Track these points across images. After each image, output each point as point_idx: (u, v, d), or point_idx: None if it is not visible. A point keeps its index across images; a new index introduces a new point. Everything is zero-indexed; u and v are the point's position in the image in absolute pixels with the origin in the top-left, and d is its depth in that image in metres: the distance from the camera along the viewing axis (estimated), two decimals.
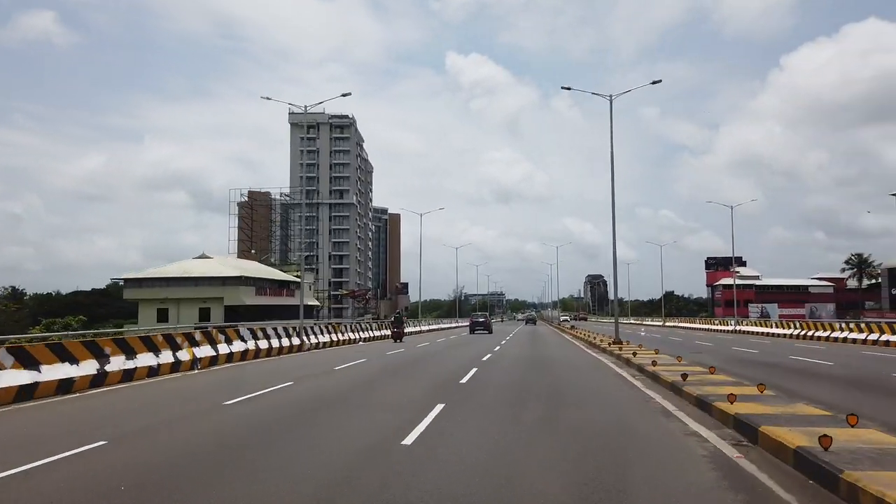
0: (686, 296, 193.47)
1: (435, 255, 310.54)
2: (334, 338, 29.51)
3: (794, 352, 23.98)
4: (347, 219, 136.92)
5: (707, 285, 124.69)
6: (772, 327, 43.45)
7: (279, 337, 23.28)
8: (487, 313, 78.70)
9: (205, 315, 55.61)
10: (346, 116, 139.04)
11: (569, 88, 26.69)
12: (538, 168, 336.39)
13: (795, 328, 38.85)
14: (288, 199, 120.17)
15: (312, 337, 26.79)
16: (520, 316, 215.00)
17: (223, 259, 59.53)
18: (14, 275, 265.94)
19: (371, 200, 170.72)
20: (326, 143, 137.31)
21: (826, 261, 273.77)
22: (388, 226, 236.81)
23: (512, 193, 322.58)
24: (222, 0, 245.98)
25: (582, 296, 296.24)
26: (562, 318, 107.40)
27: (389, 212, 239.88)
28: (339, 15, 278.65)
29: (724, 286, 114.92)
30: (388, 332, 37.33)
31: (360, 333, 34.32)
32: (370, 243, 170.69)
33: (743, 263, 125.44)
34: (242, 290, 57.01)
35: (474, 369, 15.88)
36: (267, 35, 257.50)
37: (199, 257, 61.78)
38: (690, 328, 59.30)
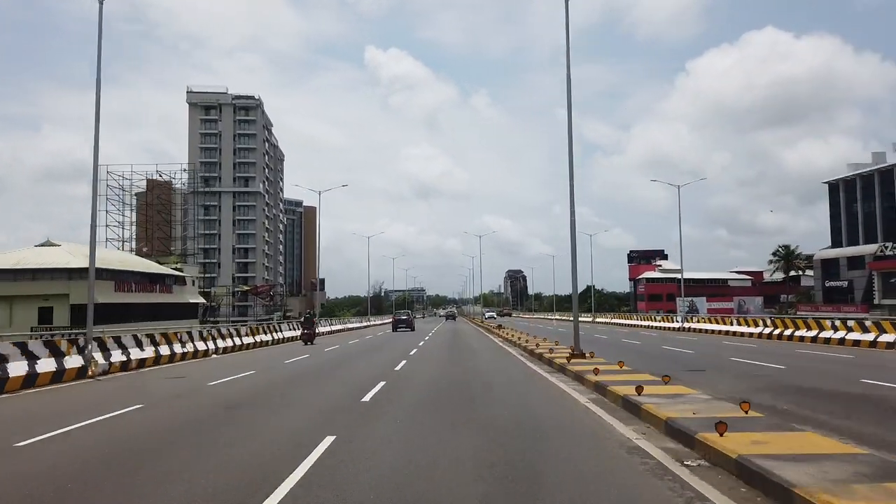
0: (603, 290, 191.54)
1: (354, 251, 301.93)
2: (165, 351, 20.14)
3: (835, 366, 16.72)
4: (254, 209, 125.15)
5: (630, 279, 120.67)
6: (732, 324, 36.98)
7: (33, 358, 13.93)
8: (410, 311, 77.74)
9: (46, 316, 44.36)
10: (252, 97, 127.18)
11: None
12: (457, 165, 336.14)
13: (765, 326, 32.33)
14: (180, 184, 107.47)
15: (117, 353, 17.44)
16: (441, 311, 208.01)
17: (74, 247, 48.08)
18: None
19: (282, 190, 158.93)
20: (230, 125, 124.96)
21: (729, 257, 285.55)
22: (303, 219, 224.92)
23: (432, 190, 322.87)
24: None
25: (502, 291, 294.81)
26: (487, 315, 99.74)
27: (305, 204, 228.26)
28: (255, 2, 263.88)
29: (648, 280, 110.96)
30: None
31: (219, 342, 24.98)
32: (281, 236, 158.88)
33: (665, 257, 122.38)
34: (97, 286, 45.64)
35: (328, 441, 7.33)
36: (177, 20, 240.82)
37: (43, 245, 49.78)
38: (631, 325, 52.71)
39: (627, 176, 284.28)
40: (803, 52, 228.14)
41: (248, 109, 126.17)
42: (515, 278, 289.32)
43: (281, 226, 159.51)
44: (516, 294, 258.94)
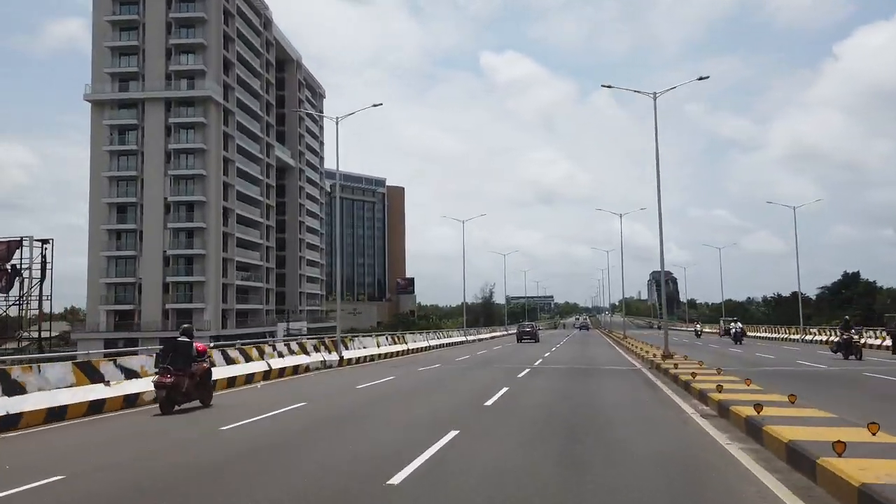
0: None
1: (460, 253, 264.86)
2: None
3: None
4: (203, 130, 67.53)
5: None
6: None
7: None
8: (535, 322, 74.31)
9: None
10: None
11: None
12: (580, 167, 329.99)
13: None
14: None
15: None
16: (571, 320, 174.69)
17: None
18: None
19: (310, 134, 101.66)
20: None
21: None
22: (386, 203, 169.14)
23: (554, 194, 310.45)
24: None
25: (646, 297, 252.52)
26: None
27: (389, 184, 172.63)
28: (375, 19, 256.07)
29: None
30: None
31: None
32: (317, 208, 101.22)
33: None
34: None
35: None
36: (302, 41, 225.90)
37: None
38: None
39: (770, 172, 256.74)
40: None
41: None
42: (664, 281, 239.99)
43: (315, 190, 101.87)
44: (664, 300, 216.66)
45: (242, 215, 73.54)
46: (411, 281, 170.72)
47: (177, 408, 11.28)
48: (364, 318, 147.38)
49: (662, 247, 19.19)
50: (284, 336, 66.21)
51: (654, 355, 20.35)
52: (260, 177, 78.72)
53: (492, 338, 56.49)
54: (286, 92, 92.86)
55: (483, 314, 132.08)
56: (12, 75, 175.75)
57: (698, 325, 52.51)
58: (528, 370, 18.38)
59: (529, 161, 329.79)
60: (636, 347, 27.38)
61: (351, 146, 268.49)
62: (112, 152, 66.66)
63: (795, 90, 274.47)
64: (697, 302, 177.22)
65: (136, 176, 66.56)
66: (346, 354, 21.16)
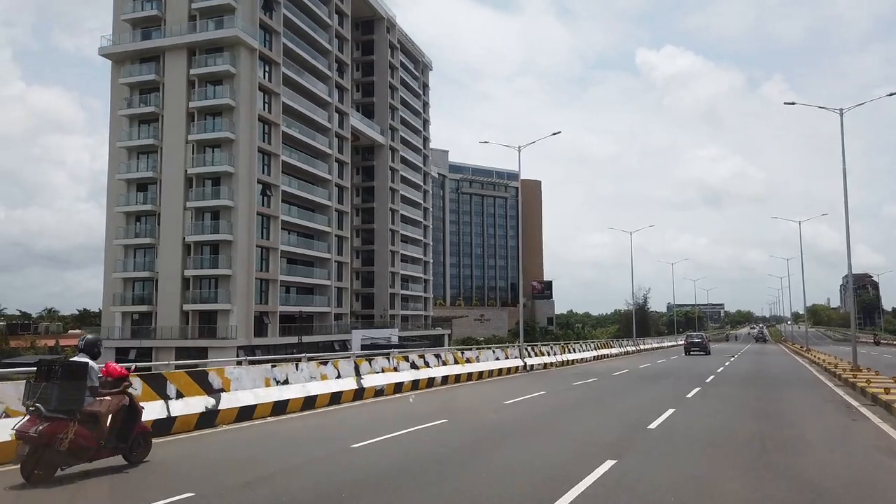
0: None
1: (614, 260, 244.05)
2: None
3: None
4: (231, 81, 52.40)
5: None
6: None
7: None
8: (704, 333, 66.93)
9: None
10: None
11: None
12: (750, 164, 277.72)
13: None
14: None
15: None
16: (744, 331, 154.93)
17: None
18: None
19: (424, 113, 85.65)
20: None
21: None
22: (519, 197, 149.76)
23: (722, 194, 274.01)
24: (407, 24, 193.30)
25: (839, 305, 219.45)
26: None
27: (523, 177, 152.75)
28: (524, 27, 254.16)
29: None
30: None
31: None
32: (418, 196, 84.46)
33: None
34: None
35: None
36: (454, 53, 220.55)
37: None
38: None
39: None
40: None
41: None
42: (862, 286, 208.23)
43: (417, 175, 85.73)
44: (862, 308, 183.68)
45: (296, 194, 58.00)
46: (549, 285, 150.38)
47: (62, 471, 7.03)
48: (493, 325, 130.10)
49: None
50: (363, 348, 49.56)
51: None
52: (328, 150, 62.90)
53: (595, 358, 34.93)
54: (375, 57, 77.15)
55: (637, 323, 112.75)
56: None
57: None
58: None
59: (692, 160, 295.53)
60: None
61: (482, 137, 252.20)
62: (131, 117, 53.69)
63: None
64: None
65: (155, 145, 53.01)
66: None
